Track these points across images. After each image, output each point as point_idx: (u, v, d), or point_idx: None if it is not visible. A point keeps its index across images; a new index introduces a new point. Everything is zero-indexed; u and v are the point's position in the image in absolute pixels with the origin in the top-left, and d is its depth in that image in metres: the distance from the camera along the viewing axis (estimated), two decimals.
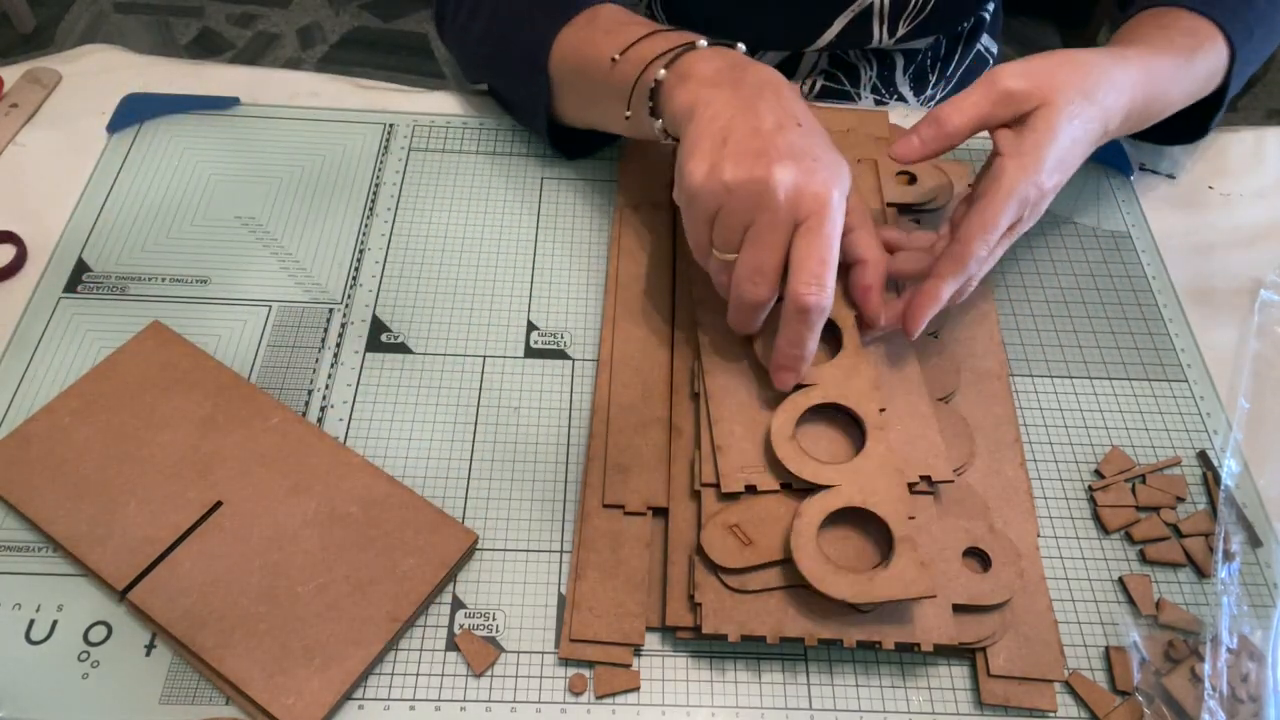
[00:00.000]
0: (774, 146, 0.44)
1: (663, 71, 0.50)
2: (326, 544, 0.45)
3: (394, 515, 0.46)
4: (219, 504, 0.46)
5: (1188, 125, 0.61)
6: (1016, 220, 0.48)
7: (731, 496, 0.46)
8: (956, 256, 0.47)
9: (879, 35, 0.71)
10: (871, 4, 0.68)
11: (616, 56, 0.52)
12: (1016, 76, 0.47)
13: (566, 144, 0.63)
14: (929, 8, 0.68)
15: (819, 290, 0.43)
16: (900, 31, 0.70)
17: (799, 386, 0.48)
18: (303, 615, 0.43)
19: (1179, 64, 0.54)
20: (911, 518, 0.44)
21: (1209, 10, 0.56)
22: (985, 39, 0.83)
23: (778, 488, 0.46)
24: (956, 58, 0.80)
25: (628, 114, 0.53)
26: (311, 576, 0.44)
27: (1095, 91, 0.49)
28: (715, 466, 0.46)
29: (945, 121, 0.48)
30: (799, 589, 0.43)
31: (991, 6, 0.80)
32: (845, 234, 0.46)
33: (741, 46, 0.51)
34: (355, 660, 0.42)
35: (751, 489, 0.46)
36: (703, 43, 0.50)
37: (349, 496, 0.47)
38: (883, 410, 0.47)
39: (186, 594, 0.43)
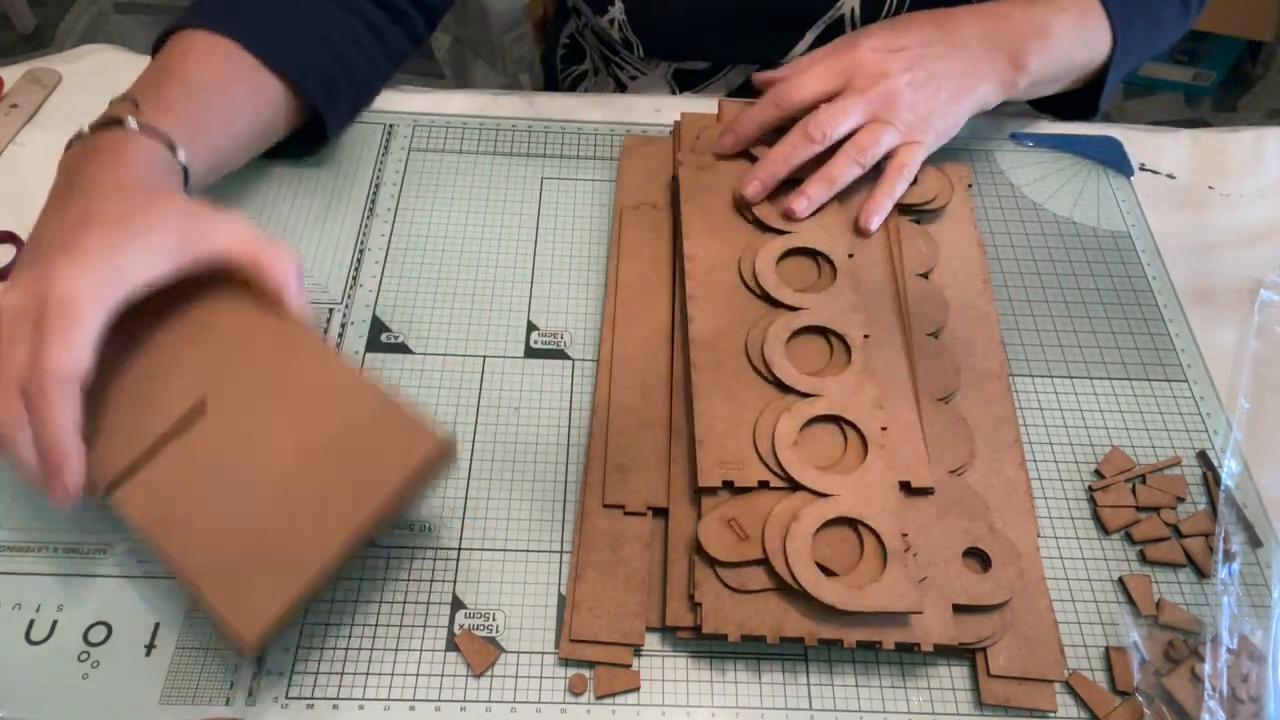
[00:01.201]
0: (23, 260, 0.41)
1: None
2: (297, 447, 0.42)
3: (363, 419, 0.42)
4: (201, 402, 0.43)
5: (1078, 104, 0.67)
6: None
7: (712, 492, 0.46)
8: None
9: None
10: (843, 15, 0.68)
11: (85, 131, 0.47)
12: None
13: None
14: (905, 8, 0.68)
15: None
16: None
17: (805, 395, 0.48)
18: (265, 516, 0.40)
19: (1068, 21, 0.60)
20: (905, 534, 0.44)
21: (1113, 12, 0.61)
22: None
23: (755, 485, 0.46)
24: None
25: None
26: (276, 480, 0.41)
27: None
28: (694, 461, 0.46)
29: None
30: (799, 589, 0.44)
31: None
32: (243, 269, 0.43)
33: (132, 121, 0.45)
34: (307, 567, 0.39)
35: (729, 485, 0.46)
36: (85, 128, 0.46)
37: (324, 399, 0.42)
38: (884, 429, 0.47)
39: (164, 497, 0.41)
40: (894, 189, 0.56)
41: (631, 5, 0.70)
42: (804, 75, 0.57)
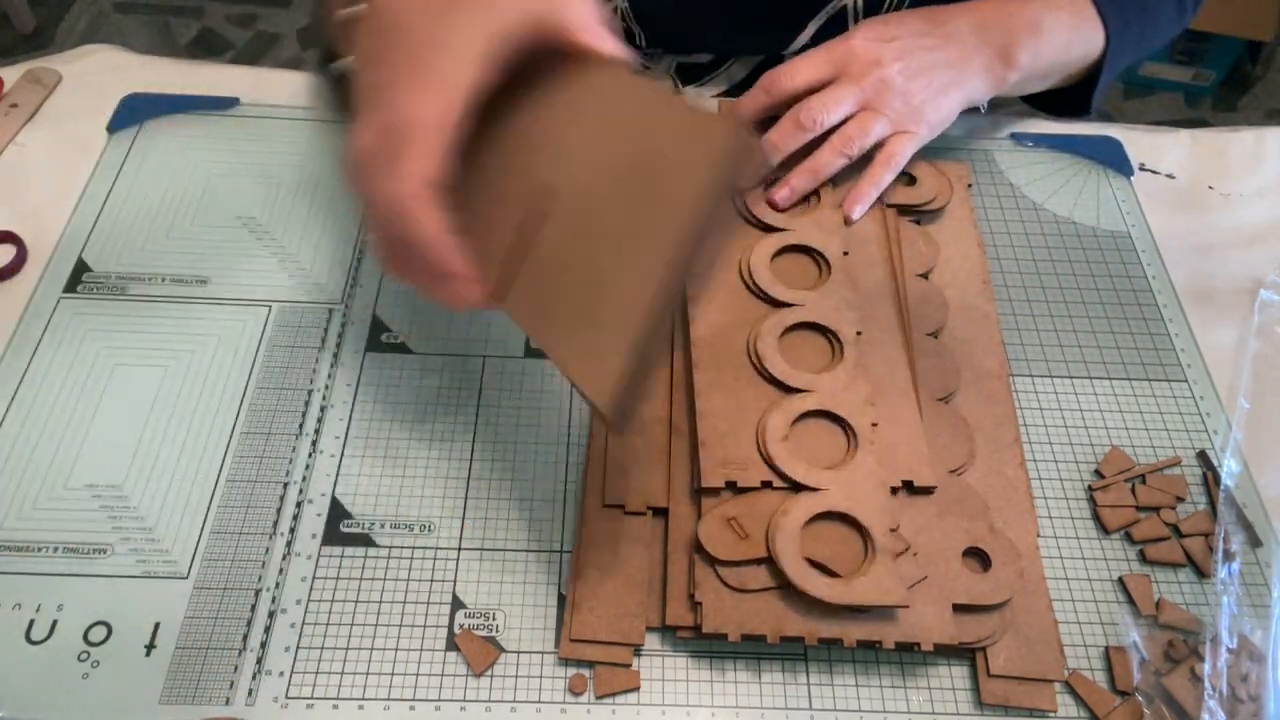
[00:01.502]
0: (360, 108, 0.39)
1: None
2: (617, 194, 0.38)
3: (664, 144, 0.37)
4: (553, 187, 0.40)
5: (1071, 101, 0.66)
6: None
7: (713, 492, 0.46)
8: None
9: None
10: (845, 6, 0.68)
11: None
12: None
13: None
14: (904, 8, 0.68)
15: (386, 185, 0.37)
16: None
17: (796, 391, 0.48)
18: (598, 278, 0.37)
19: (1061, 18, 0.60)
20: (894, 529, 0.44)
21: (1107, 10, 0.61)
22: None
23: (758, 485, 0.46)
24: None
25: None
26: (603, 237, 0.38)
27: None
28: (698, 461, 0.46)
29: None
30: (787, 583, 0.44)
31: None
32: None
33: None
34: (634, 312, 0.36)
35: (732, 485, 0.46)
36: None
37: (639, 136, 0.38)
38: (875, 425, 0.47)
39: (531, 291, 0.39)
40: (880, 179, 0.57)
41: None
42: (796, 63, 0.57)
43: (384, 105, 0.38)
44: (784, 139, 0.55)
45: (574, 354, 0.38)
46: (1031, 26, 0.59)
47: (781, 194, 0.55)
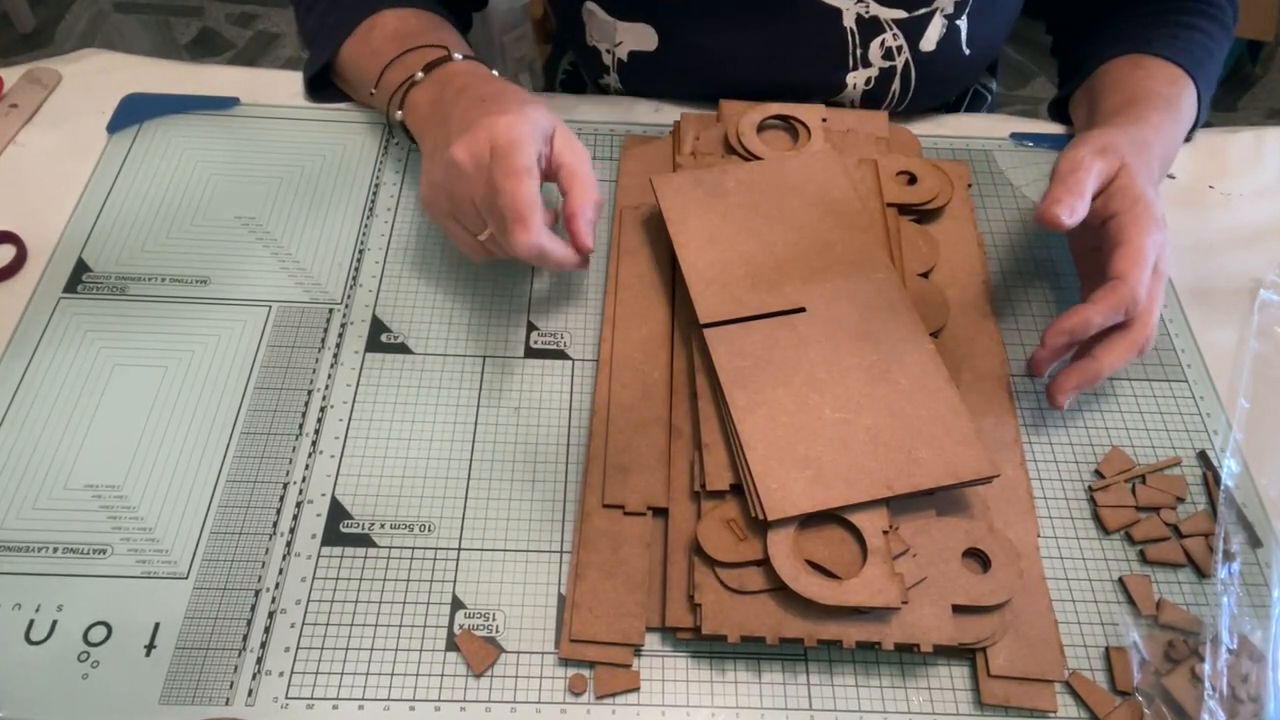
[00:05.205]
0: (454, 134, 0.50)
1: (399, 113, 0.58)
2: (866, 393, 0.47)
3: (932, 408, 0.47)
4: (802, 309, 0.51)
5: None
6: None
7: (714, 494, 0.46)
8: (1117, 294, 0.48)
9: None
10: (841, 104, 0.68)
11: (373, 90, 0.61)
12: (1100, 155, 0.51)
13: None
14: (906, 101, 0.68)
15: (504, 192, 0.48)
16: None
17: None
18: (816, 432, 0.46)
19: (1173, 117, 0.59)
20: (888, 530, 0.44)
21: (1175, 57, 0.61)
22: (984, 76, 0.82)
23: None
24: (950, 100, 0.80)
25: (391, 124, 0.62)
26: (841, 408, 0.47)
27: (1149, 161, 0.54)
28: (701, 464, 0.46)
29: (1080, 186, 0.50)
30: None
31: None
32: (557, 170, 0.52)
33: (458, 56, 0.58)
34: (839, 492, 0.44)
35: (736, 488, 0.46)
36: (420, 75, 0.57)
37: (905, 368, 0.48)
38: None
39: (744, 356, 0.48)
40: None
41: (626, 78, 0.70)
42: (1089, 314, 0.49)
43: (488, 123, 0.49)
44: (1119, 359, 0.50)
45: (768, 458, 0.45)
46: (1175, 142, 0.59)
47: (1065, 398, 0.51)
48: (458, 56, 0.57)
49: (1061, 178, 0.50)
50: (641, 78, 0.69)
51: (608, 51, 0.69)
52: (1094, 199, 0.51)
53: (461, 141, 0.49)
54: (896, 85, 0.67)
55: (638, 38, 0.67)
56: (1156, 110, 0.58)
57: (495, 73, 0.57)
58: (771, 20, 0.64)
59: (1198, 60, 0.62)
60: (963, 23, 0.65)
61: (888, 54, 0.65)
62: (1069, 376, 0.50)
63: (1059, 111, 0.70)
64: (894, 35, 0.64)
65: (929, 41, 0.65)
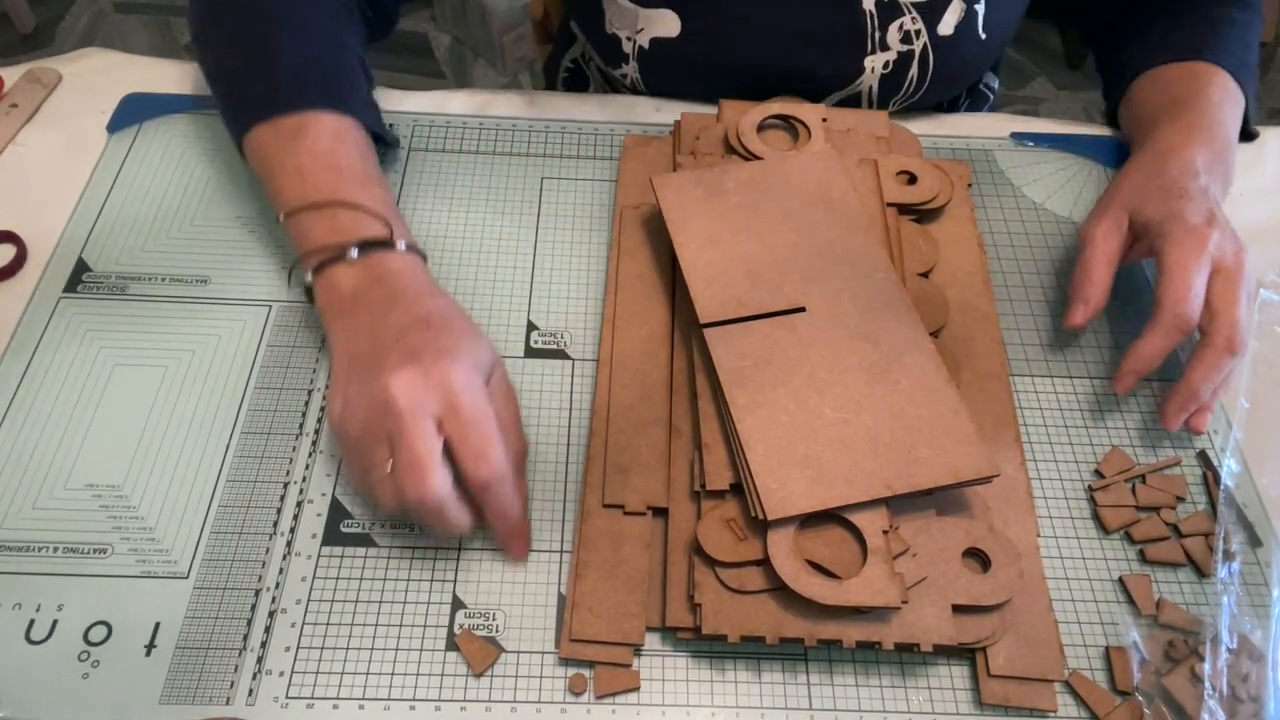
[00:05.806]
0: (390, 358, 0.44)
1: (309, 276, 0.50)
2: (867, 393, 0.47)
3: (932, 408, 0.47)
4: (802, 309, 0.50)
5: None
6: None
7: (714, 494, 0.46)
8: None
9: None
10: (859, 91, 0.68)
11: (281, 218, 0.52)
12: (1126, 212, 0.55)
13: None
14: (922, 90, 0.68)
15: (486, 464, 0.43)
16: (890, 109, 0.69)
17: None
18: (816, 431, 0.46)
19: (1228, 121, 0.61)
20: (888, 530, 0.44)
21: (1223, 61, 0.62)
22: (987, 75, 0.82)
23: None
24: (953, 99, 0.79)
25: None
26: (841, 408, 0.47)
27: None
28: (701, 463, 0.47)
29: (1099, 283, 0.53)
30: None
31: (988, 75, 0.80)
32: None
33: (401, 244, 0.50)
34: (839, 492, 0.44)
35: (736, 487, 0.46)
36: (353, 252, 0.49)
37: (905, 368, 0.48)
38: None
39: (744, 356, 0.48)
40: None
41: (645, 67, 0.70)
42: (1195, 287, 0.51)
43: (418, 365, 0.43)
44: (1210, 371, 0.51)
45: (767, 456, 0.45)
46: (1229, 143, 0.60)
47: (1202, 422, 0.52)
48: (401, 245, 0.50)
49: (1075, 277, 0.54)
50: (661, 66, 0.69)
51: (628, 39, 0.68)
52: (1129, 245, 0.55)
53: (402, 376, 0.43)
54: (914, 70, 0.67)
55: (660, 24, 0.66)
56: (1199, 101, 0.60)
57: (427, 268, 0.52)
58: (793, 1, 0.64)
59: (1234, 54, 0.63)
60: (980, 7, 0.65)
61: (906, 37, 0.65)
62: (1170, 404, 0.51)
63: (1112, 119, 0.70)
64: (913, 19, 0.64)
65: (947, 25, 0.65)
